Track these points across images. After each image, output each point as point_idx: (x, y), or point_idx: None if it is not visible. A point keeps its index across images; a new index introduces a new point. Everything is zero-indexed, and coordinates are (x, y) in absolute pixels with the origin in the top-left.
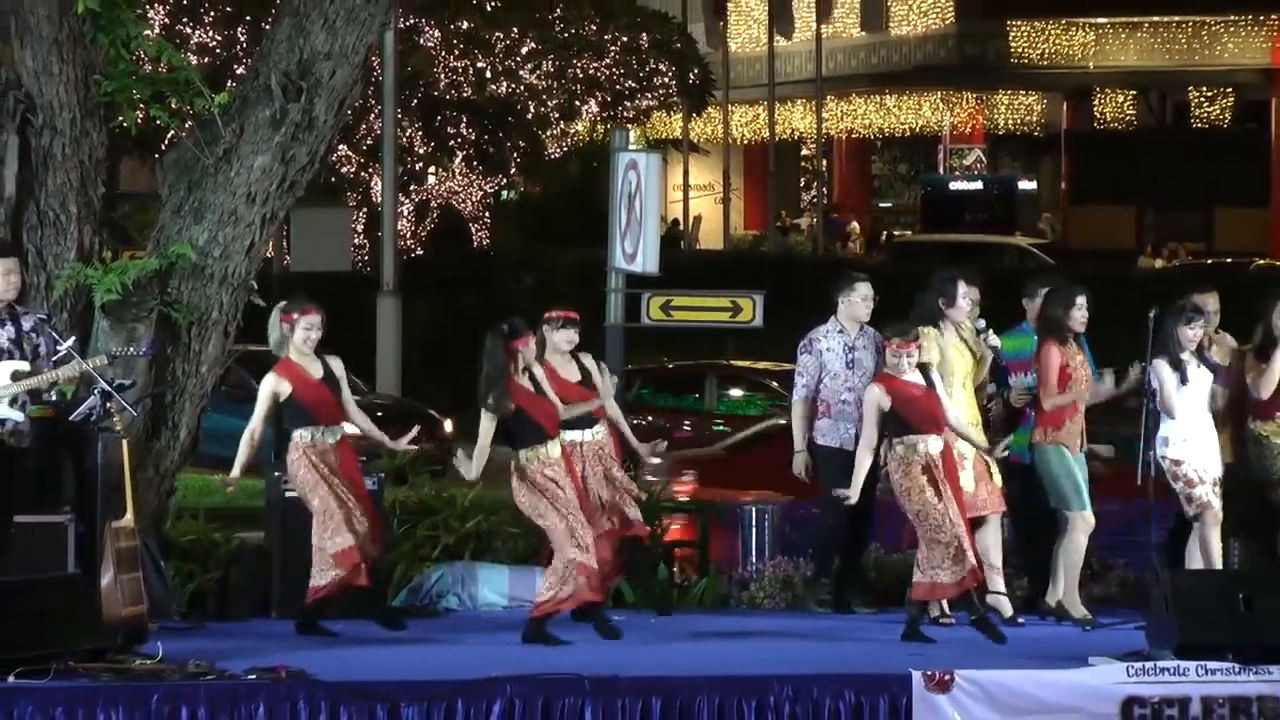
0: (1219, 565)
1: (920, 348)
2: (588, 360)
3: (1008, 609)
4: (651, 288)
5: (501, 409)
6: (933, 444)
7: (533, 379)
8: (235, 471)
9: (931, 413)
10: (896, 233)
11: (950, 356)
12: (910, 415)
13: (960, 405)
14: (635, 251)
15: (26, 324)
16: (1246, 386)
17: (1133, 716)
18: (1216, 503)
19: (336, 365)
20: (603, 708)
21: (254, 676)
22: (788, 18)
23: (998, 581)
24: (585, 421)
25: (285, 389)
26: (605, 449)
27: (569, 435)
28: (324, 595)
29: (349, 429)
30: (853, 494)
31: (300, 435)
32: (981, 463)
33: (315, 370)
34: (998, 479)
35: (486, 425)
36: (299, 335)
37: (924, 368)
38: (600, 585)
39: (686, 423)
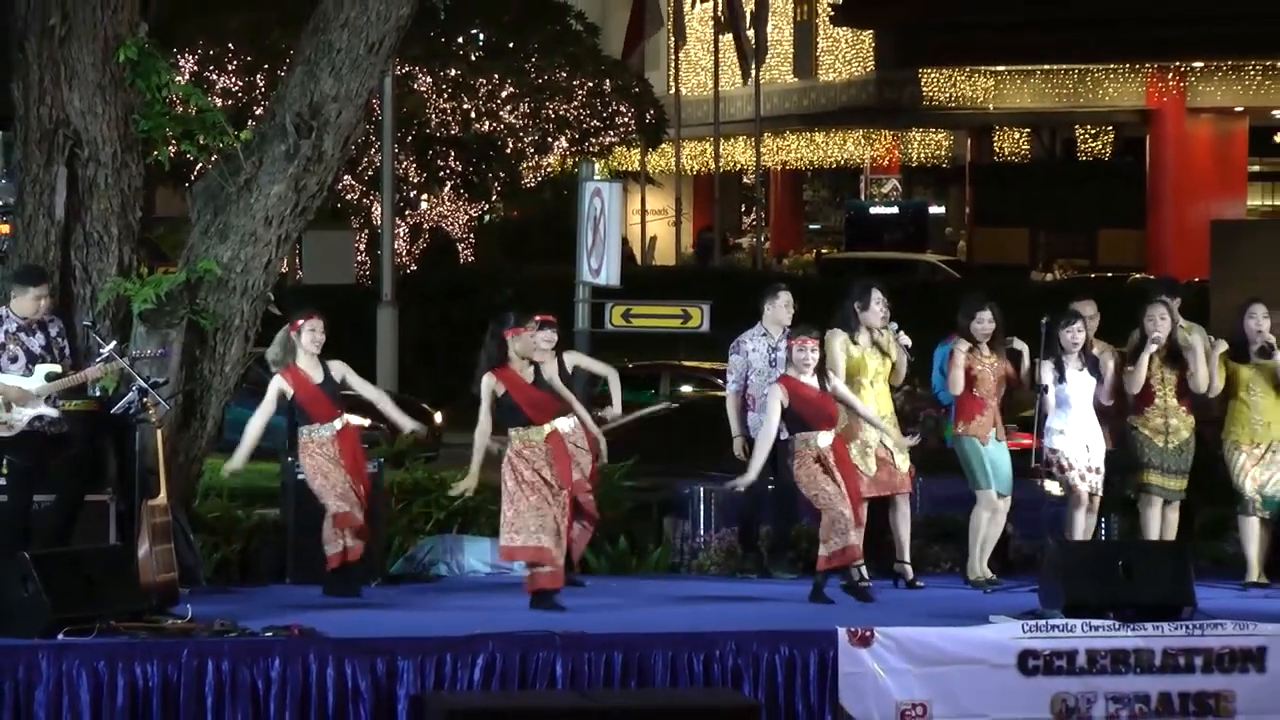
0: (1080, 538)
1: (817, 345)
2: (568, 357)
3: (909, 574)
4: (614, 298)
5: (482, 390)
6: (823, 438)
7: (535, 369)
8: (235, 463)
9: (824, 411)
10: (824, 250)
11: (865, 356)
12: (805, 413)
13: (873, 400)
14: (600, 267)
15: (53, 330)
16: (1121, 384)
17: (1027, 667)
18: (1082, 487)
19: (337, 369)
20: (572, 661)
21: (271, 634)
22: (736, 64)
23: (905, 551)
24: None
25: (289, 391)
26: (577, 440)
27: (558, 425)
28: (337, 563)
29: (354, 420)
30: (748, 477)
31: (302, 431)
32: (884, 449)
33: (316, 375)
34: (903, 463)
35: (483, 424)
36: (305, 338)
37: (823, 373)
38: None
39: None
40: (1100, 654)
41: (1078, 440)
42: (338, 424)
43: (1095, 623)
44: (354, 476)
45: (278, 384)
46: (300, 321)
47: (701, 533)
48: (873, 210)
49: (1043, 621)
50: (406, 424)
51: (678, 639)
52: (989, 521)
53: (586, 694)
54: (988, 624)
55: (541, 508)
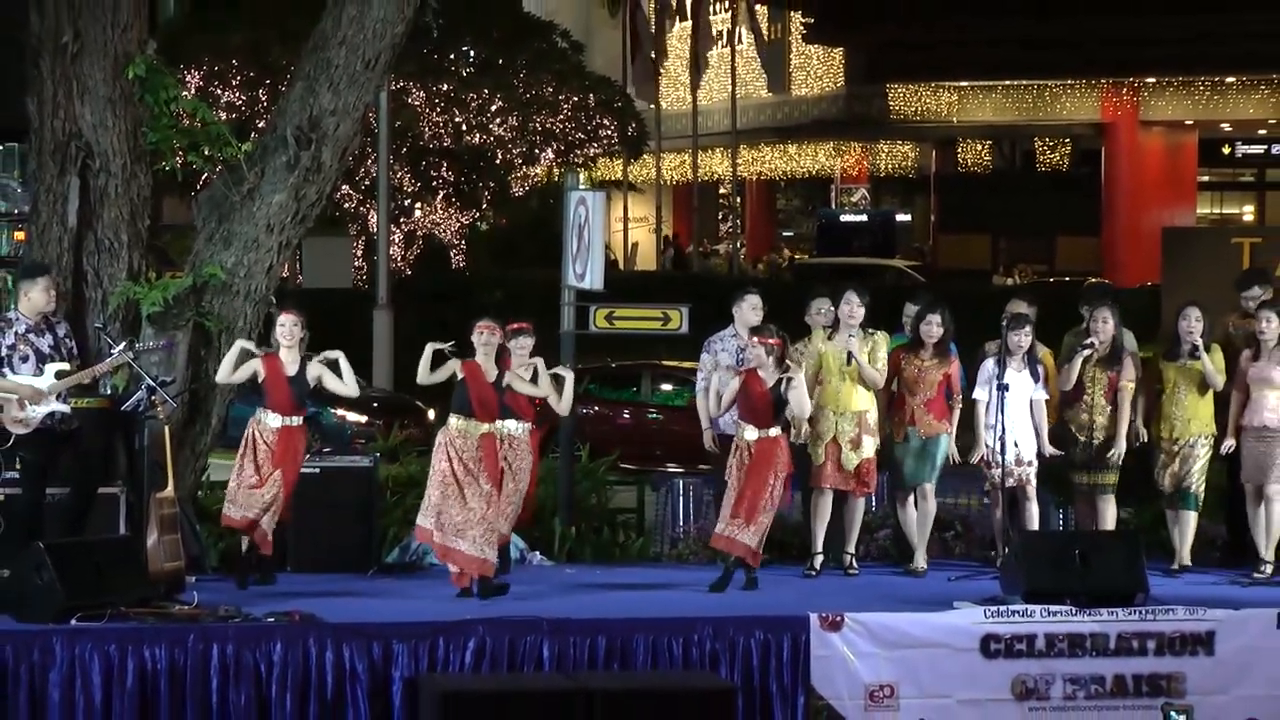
0: (1031, 528)
1: (775, 345)
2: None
3: (846, 561)
4: (597, 301)
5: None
6: (749, 432)
7: (500, 372)
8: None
9: (758, 410)
10: (798, 256)
11: (829, 354)
12: (743, 406)
13: (837, 396)
14: (584, 272)
15: (60, 331)
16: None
17: (989, 650)
18: (1010, 481)
19: (313, 370)
20: (558, 644)
21: (272, 619)
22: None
23: (851, 543)
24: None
25: (260, 373)
26: (518, 447)
27: (498, 427)
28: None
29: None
30: (705, 442)
31: (257, 411)
32: (836, 445)
33: (291, 369)
34: (852, 459)
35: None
36: (277, 331)
37: (788, 379)
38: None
39: (626, 412)
40: (1058, 638)
41: (1008, 436)
42: (290, 420)
43: (1053, 608)
44: (285, 470)
45: (254, 363)
46: (278, 315)
47: (681, 523)
48: (843, 218)
49: (1004, 607)
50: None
51: (658, 624)
52: (916, 513)
53: (572, 676)
54: (952, 610)
55: (467, 505)
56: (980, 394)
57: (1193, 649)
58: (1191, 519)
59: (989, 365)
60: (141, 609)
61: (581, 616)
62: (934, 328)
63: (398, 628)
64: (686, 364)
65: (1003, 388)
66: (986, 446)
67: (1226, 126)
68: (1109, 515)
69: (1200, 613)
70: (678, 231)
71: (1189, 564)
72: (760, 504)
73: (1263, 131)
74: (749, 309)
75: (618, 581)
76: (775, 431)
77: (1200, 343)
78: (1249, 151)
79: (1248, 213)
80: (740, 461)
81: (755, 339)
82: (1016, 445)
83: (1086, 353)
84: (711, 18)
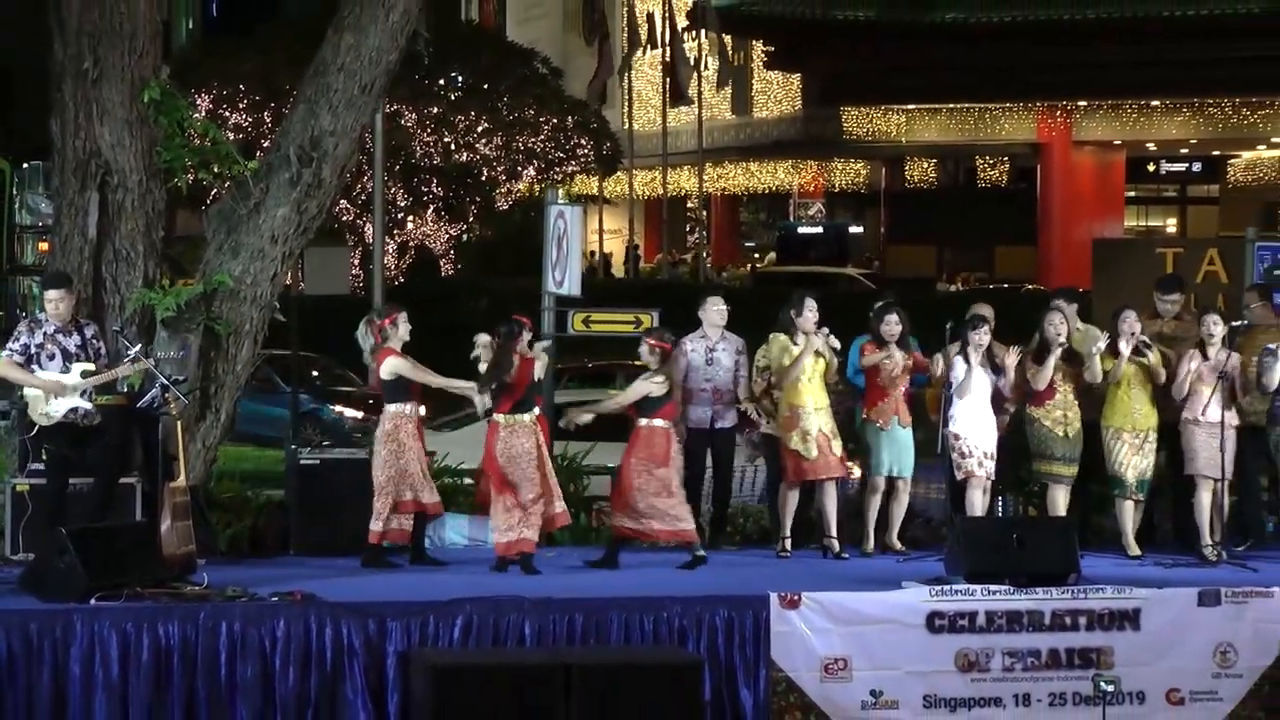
0: (979, 514)
1: (659, 347)
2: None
3: (835, 547)
4: (575, 306)
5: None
6: (641, 423)
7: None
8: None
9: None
10: (759, 265)
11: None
12: (642, 405)
13: (810, 393)
14: (563, 279)
15: (88, 332)
16: (1023, 380)
17: (934, 626)
18: (980, 471)
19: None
20: (539, 622)
21: (276, 599)
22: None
23: (831, 528)
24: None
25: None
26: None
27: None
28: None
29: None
30: (583, 417)
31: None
32: (824, 436)
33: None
34: (837, 448)
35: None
36: (402, 329)
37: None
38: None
39: None
40: (998, 615)
41: (976, 430)
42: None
43: (993, 588)
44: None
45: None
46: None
47: None
48: (800, 230)
49: (948, 587)
50: None
51: (631, 602)
52: (888, 502)
53: (551, 650)
54: (900, 589)
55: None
56: (947, 387)
57: (1120, 625)
58: (1129, 508)
59: (959, 365)
60: (156, 589)
61: (560, 596)
62: (893, 325)
63: (392, 606)
64: None
65: (962, 385)
66: (954, 435)
67: (1151, 146)
68: (1061, 503)
69: (1128, 591)
70: (609, 251)
71: (1139, 552)
72: (664, 493)
73: (1185, 150)
74: (714, 312)
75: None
76: (660, 423)
77: (1146, 339)
78: (1172, 169)
79: (1171, 225)
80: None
81: (649, 340)
82: (984, 439)
83: (1059, 351)
84: (682, 45)
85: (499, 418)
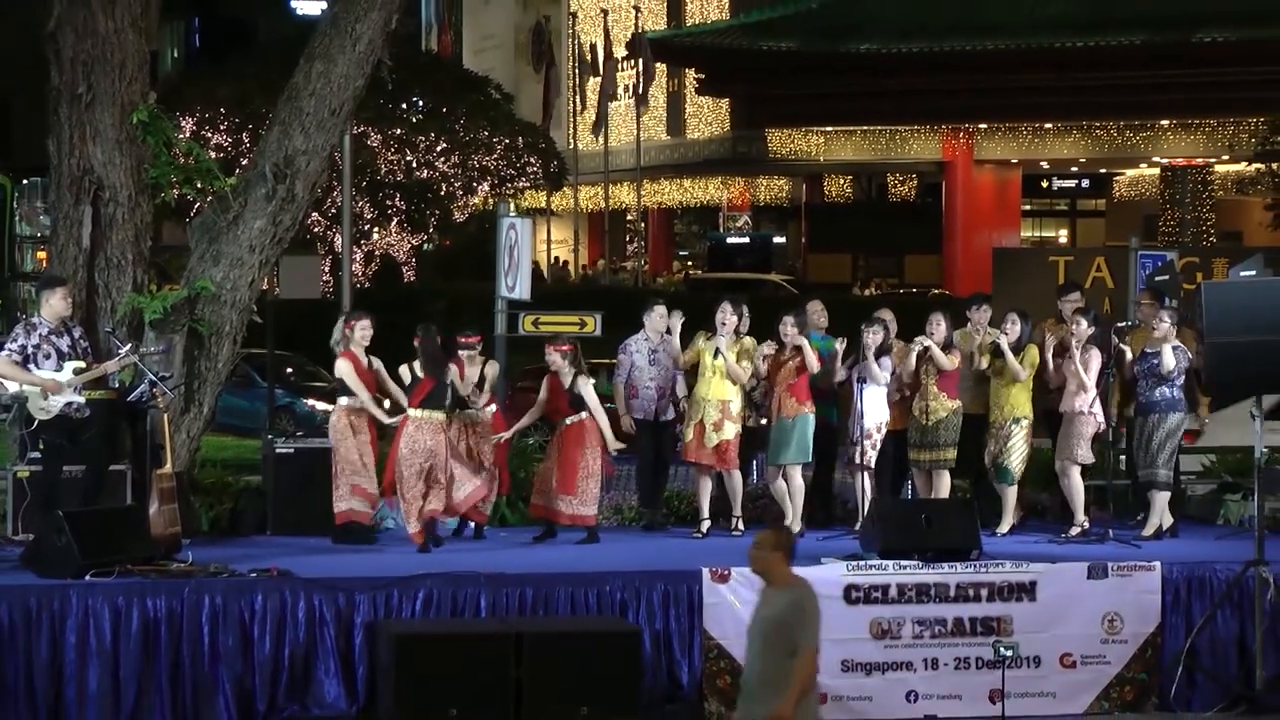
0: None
1: (568, 350)
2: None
3: (735, 524)
4: (525, 309)
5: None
6: (567, 420)
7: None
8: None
9: (558, 407)
10: (692, 272)
11: (704, 353)
12: (550, 403)
13: (711, 386)
14: (514, 285)
15: (76, 334)
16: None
17: (851, 598)
18: (873, 454)
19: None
20: (493, 595)
21: (255, 574)
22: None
23: (736, 508)
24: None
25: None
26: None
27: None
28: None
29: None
30: (623, 425)
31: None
32: (702, 428)
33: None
34: (713, 440)
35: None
36: (359, 333)
37: (580, 389)
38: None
39: None
40: (908, 587)
41: (875, 418)
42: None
43: (904, 563)
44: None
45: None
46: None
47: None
48: (729, 240)
49: (863, 562)
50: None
51: (576, 578)
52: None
53: (504, 620)
54: (820, 564)
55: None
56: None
57: (1018, 596)
58: (1011, 492)
59: (870, 364)
60: (144, 567)
61: (513, 571)
62: (788, 328)
63: (359, 581)
64: (600, 360)
65: (861, 380)
66: (858, 428)
67: (1045, 164)
68: (941, 486)
69: (1024, 566)
70: (535, 260)
71: (1006, 531)
72: (578, 476)
73: (1075, 168)
74: (656, 317)
75: (544, 542)
76: (580, 416)
77: (1000, 342)
78: (1063, 185)
79: (1062, 236)
80: (558, 443)
81: (550, 347)
82: (880, 427)
83: (918, 348)
84: (619, 74)
85: (411, 412)
